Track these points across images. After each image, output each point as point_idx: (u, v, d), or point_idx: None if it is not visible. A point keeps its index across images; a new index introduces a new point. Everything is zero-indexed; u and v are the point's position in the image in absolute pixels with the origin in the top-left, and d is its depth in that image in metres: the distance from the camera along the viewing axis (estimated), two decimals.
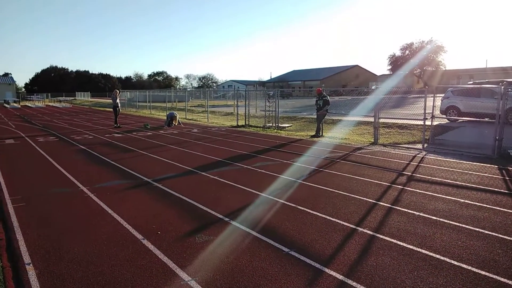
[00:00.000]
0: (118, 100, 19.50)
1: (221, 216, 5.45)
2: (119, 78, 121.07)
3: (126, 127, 19.40)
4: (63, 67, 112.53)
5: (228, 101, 43.50)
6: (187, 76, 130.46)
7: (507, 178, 7.84)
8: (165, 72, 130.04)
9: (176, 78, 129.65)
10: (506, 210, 5.69)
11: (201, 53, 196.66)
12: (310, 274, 3.76)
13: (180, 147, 12.34)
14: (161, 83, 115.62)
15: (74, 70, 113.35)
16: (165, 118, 21.45)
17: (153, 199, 6.38)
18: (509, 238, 4.63)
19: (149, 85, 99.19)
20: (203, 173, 8.31)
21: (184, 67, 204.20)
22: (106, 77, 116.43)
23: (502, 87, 10.41)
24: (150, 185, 7.31)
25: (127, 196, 6.61)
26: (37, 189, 7.08)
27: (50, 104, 55.25)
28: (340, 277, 3.70)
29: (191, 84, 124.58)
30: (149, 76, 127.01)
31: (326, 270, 3.84)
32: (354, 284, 3.57)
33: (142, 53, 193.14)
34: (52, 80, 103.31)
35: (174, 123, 20.29)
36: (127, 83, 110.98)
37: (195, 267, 3.93)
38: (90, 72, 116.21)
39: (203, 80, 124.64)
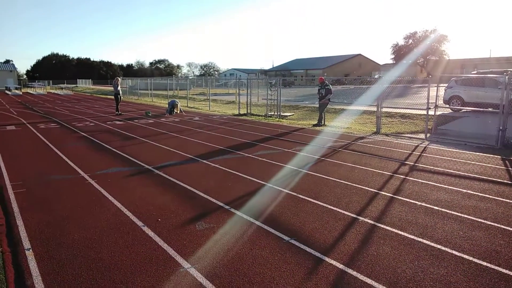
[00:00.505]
0: (119, 88, 19.41)
1: (221, 204, 5.43)
2: (121, 66, 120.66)
3: (128, 115, 19.35)
4: (64, 54, 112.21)
5: (230, 90, 43.27)
6: (189, 64, 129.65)
7: (510, 168, 7.78)
8: (167, 60, 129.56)
9: (178, 66, 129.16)
10: (508, 201, 5.65)
11: (203, 40, 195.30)
12: (310, 263, 3.74)
13: (182, 135, 12.30)
14: (162, 71, 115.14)
15: (75, 57, 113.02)
16: (167, 106, 21.37)
17: (153, 187, 6.36)
18: (511, 229, 4.59)
19: (150, 73, 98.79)
20: (204, 161, 8.28)
21: (186, 55, 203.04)
22: (107, 65, 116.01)
23: (507, 77, 10.28)
24: (151, 172, 7.29)
25: (128, 183, 6.59)
26: (38, 175, 7.07)
27: (52, 91, 55.11)
28: (340, 266, 3.68)
29: (193, 72, 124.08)
30: (151, 64, 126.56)
31: (327, 259, 3.82)
32: (354, 273, 3.55)
33: (144, 40, 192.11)
34: (54, 67, 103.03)
35: (175, 111, 20.15)
36: (128, 71, 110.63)
37: (195, 254, 3.91)
38: (92, 59, 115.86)
39: (205, 68, 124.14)
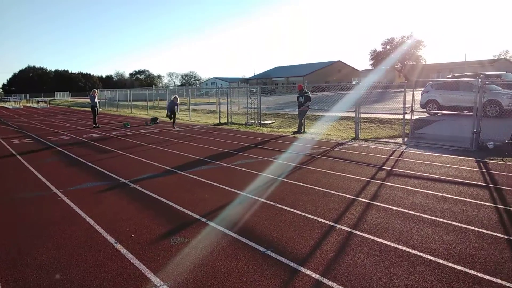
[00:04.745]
0: (96, 100, 19.13)
1: (198, 217, 5.33)
2: (100, 77, 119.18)
3: (106, 127, 19.02)
4: (42, 67, 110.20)
5: (211, 99, 43.21)
6: (170, 74, 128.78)
7: (484, 170, 7.93)
8: (147, 71, 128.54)
9: (159, 76, 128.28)
10: (482, 203, 5.73)
11: (183, 50, 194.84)
12: (286, 274, 3.68)
13: (160, 146, 12.13)
14: (143, 81, 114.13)
15: (53, 70, 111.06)
16: (146, 117, 21.13)
17: (129, 201, 6.20)
18: (485, 231, 4.64)
19: (130, 83, 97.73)
20: (182, 172, 8.16)
21: (166, 65, 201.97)
22: (86, 77, 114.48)
23: (480, 80, 10.54)
24: (127, 186, 7.13)
25: (102, 198, 6.41)
26: (7, 193, 6.81)
27: (28, 105, 53.90)
28: (316, 276, 3.63)
29: (174, 82, 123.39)
30: (131, 74, 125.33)
31: (303, 269, 3.77)
32: (330, 283, 3.50)
33: (124, 51, 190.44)
34: (31, 81, 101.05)
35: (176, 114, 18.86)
36: (108, 82, 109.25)
37: (168, 271, 3.80)
38: (70, 71, 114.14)
39: (185, 78, 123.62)
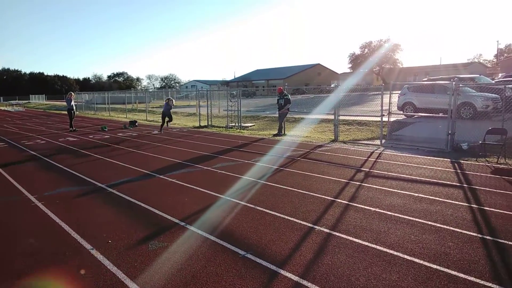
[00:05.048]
0: (73, 103, 18.70)
1: (177, 221, 5.27)
2: (77, 80, 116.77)
3: (82, 131, 18.62)
4: (16, 69, 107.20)
5: (191, 102, 42.86)
6: (149, 77, 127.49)
7: (458, 171, 8.14)
8: (126, 73, 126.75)
9: (138, 79, 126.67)
10: (457, 202, 5.88)
11: (164, 53, 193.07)
12: (265, 277, 3.67)
13: (139, 149, 11.96)
14: (121, 84, 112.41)
15: (28, 72, 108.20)
16: (125, 120, 20.80)
17: (105, 206, 6.08)
18: (459, 230, 4.76)
19: (108, 86, 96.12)
20: (161, 176, 8.06)
21: (146, 67, 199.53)
22: (62, 79, 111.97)
23: (454, 83, 10.83)
24: (104, 191, 6.99)
25: (77, 203, 6.26)
26: None
27: (2, 108, 52.29)
28: (296, 278, 3.64)
29: (153, 84, 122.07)
30: (109, 77, 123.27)
31: (282, 271, 3.77)
32: (309, 284, 3.52)
33: (102, 53, 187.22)
34: (4, 83, 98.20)
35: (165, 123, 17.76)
36: (85, 85, 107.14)
37: (146, 276, 3.74)
38: (46, 74, 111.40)
39: (165, 81, 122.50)
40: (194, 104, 30.55)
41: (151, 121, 24.05)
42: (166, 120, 17.71)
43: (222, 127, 18.64)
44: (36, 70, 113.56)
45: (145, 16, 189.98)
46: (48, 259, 4.17)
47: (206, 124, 19.71)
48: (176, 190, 6.95)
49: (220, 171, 8.46)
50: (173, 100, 18.28)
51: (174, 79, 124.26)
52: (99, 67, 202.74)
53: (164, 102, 18.54)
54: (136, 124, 20.82)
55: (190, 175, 8.19)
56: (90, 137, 15.67)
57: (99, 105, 36.32)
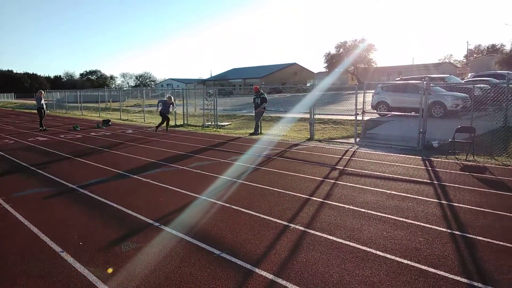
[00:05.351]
0: (43, 101, 18.14)
1: (151, 222, 5.18)
2: (48, 78, 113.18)
3: (53, 130, 18.08)
4: None
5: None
6: (123, 75, 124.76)
7: (429, 168, 8.37)
8: (99, 71, 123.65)
9: (111, 77, 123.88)
10: (427, 199, 6.04)
11: (138, 51, 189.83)
12: (240, 276, 3.66)
13: (112, 149, 11.70)
14: (94, 82, 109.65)
15: None
16: (98, 119, 20.33)
17: (77, 207, 5.92)
18: (429, 226, 4.89)
19: (81, 84, 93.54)
20: (135, 176, 7.91)
21: (120, 65, 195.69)
22: (32, 77, 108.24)
23: (425, 82, 11.12)
24: (75, 192, 6.80)
25: (47, 205, 6.07)
26: None
27: None
28: (270, 276, 3.65)
29: (128, 83, 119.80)
30: (81, 75, 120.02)
31: (257, 270, 3.77)
32: (283, 282, 3.53)
33: (74, 51, 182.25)
34: None
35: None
36: (56, 83, 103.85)
37: (119, 278, 3.66)
38: (15, 71, 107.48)
39: (140, 79, 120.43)
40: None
41: (125, 120, 23.60)
42: (163, 122, 15.86)
43: (198, 126, 18.50)
44: (5, 68, 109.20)
45: (119, 14, 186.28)
46: (15, 262, 4.02)
47: (182, 123, 19.52)
48: (151, 190, 6.84)
49: (196, 171, 8.39)
50: (172, 98, 16.20)
51: (150, 78, 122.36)
52: (71, 65, 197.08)
53: (163, 100, 16.41)
54: (110, 123, 20.39)
55: (165, 175, 8.09)
56: (61, 137, 15.22)
57: (71, 104, 35.32)
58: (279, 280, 3.57)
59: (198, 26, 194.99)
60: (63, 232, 4.87)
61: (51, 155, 10.80)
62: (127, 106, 34.39)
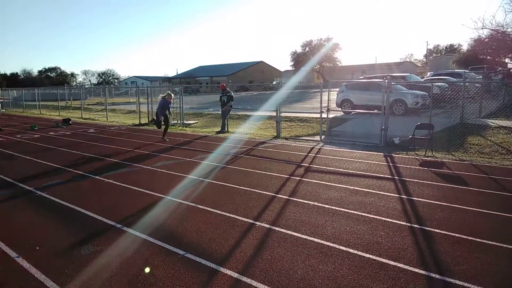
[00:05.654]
0: None
1: (113, 223, 5.04)
2: (3, 75, 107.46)
3: (9, 130, 17.20)
4: None
5: (131, 99, 41.38)
6: (85, 72, 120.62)
7: (390, 164, 8.64)
8: (59, 68, 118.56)
9: (72, 74, 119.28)
10: (388, 194, 6.23)
11: (100, 47, 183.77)
12: (204, 276, 3.63)
13: (72, 149, 11.28)
14: (54, 79, 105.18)
15: None
16: (57, 118, 19.53)
17: (34, 210, 5.66)
18: (390, 220, 5.05)
19: (40, 82, 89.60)
20: (96, 177, 7.66)
21: (81, 62, 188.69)
22: None
23: (386, 81, 11.47)
24: (32, 194, 6.50)
25: (1, 209, 5.76)
26: None
27: None
28: (235, 275, 3.64)
29: (90, 80, 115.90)
30: (40, 72, 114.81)
31: (222, 269, 3.75)
32: (248, 281, 3.53)
33: (31, 46, 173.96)
34: None
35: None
36: (13, 80, 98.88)
37: (78, 283, 3.54)
38: None
39: (103, 76, 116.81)
40: (134, 101, 29.50)
41: (86, 119, 22.82)
42: (167, 125, 12.95)
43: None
44: None
45: (80, 9, 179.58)
46: None
47: (147, 121, 19.11)
48: (113, 191, 6.65)
49: (161, 170, 8.24)
50: (172, 95, 13.18)
51: (113, 75, 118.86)
52: (29, 62, 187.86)
53: (161, 98, 12.78)
54: (70, 122, 19.65)
55: (128, 175, 7.89)
56: (17, 137, 14.51)
57: (28, 102, 33.74)
58: (244, 279, 3.57)
59: (162, 24, 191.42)
60: (19, 236, 4.64)
61: (7, 156, 10.26)
62: (89, 105, 33.32)
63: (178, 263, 3.89)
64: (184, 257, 4.04)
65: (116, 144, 12.31)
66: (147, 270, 3.75)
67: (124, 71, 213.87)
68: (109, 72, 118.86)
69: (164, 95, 12.74)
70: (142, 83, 56.26)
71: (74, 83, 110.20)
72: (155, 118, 13.06)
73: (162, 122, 12.68)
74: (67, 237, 4.60)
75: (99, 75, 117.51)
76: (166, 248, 4.27)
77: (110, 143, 12.43)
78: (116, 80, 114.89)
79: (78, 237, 4.62)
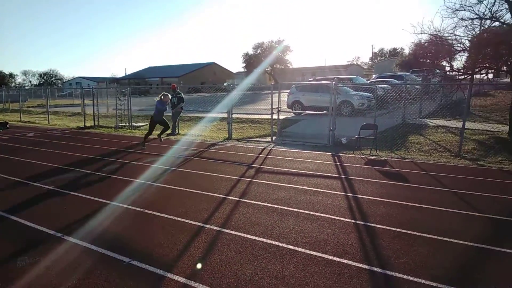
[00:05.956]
0: None
1: (52, 233, 4.75)
2: None
3: None
4: None
5: (75, 100, 39.44)
6: (25, 73, 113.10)
7: (338, 163, 8.92)
8: None
9: (11, 75, 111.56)
10: (335, 192, 6.42)
11: (41, 46, 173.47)
12: (151, 283, 3.53)
13: (9, 155, 10.52)
14: None
15: None
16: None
17: None
18: (336, 218, 5.21)
19: None
20: (35, 183, 7.20)
21: (20, 62, 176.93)
22: None
23: (334, 83, 11.83)
24: None
25: None
26: None
27: None
28: (183, 280, 3.57)
29: (30, 81, 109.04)
30: None
31: (169, 275, 3.66)
32: (196, 285, 3.48)
33: None
34: None
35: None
36: None
37: None
38: None
39: (44, 77, 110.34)
40: (79, 103, 28.17)
41: (26, 122, 21.41)
42: (168, 127, 12.19)
43: (111, 127, 17.50)
44: None
45: (18, 5, 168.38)
46: None
47: (93, 124, 18.30)
48: (54, 199, 6.28)
49: (107, 175, 7.91)
50: (169, 96, 12.23)
51: (56, 75, 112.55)
52: None
53: (156, 101, 11.88)
54: (8, 126, 18.33)
55: (71, 181, 7.49)
56: None
57: None
58: (192, 283, 3.51)
59: (108, 23, 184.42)
60: None
61: None
62: (29, 107, 31.33)
63: (123, 271, 3.75)
64: (129, 264, 3.90)
65: (58, 148, 11.65)
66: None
67: (68, 71, 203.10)
68: (51, 72, 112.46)
69: (161, 97, 11.63)
70: (88, 84, 53.87)
71: (13, 84, 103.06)
72: (155, 120, 11.87)
73: (163, 124, 11.87)
74: (1, 249, 4.27)
75: (40, 75, 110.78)
76: (110, 256, 4.10)
77: (52, 148, 11.74)
78: (59, 81, 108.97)
79: (12, 248, 4.31)
